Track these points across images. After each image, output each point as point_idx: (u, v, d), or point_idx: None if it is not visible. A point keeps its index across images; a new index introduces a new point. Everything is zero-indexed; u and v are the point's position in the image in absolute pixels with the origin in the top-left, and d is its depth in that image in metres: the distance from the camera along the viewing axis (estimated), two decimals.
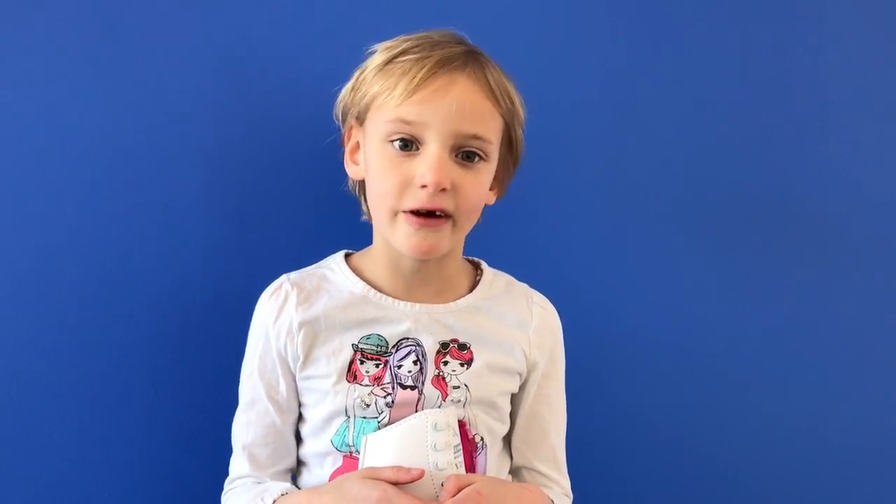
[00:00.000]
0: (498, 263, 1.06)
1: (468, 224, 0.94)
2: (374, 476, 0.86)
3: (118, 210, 1.10)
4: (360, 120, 0.94)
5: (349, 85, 0.96)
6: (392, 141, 0.89)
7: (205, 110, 1.12)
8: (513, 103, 0.94)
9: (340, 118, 0.98)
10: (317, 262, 1.02)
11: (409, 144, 0.89)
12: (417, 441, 0.89)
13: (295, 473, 0.99)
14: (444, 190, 0.88)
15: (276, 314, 0.95)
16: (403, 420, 0.91)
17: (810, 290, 1.31)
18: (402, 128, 0.88)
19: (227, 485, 0.99)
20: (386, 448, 0.90)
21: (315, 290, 0.96)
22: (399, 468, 0.86)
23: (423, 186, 0.87)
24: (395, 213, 0.90)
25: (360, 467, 0.90)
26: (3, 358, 1.08)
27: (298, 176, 1.15)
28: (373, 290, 0.96)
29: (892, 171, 1.32)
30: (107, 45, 1.09)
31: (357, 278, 0.97)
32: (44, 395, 1.09)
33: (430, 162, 0.87)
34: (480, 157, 0.91)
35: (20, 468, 1.09)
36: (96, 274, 1.10)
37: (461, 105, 0.87)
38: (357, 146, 0.96)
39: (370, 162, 0.93)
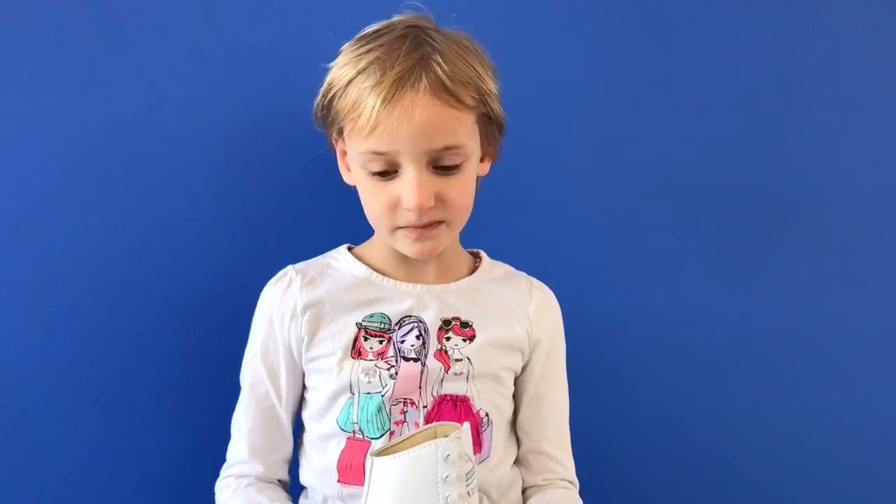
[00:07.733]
0: (501, 258, 1.07)
1: (462, 221, 0.96)
2: None
3: (121, 215, 1.11)
4: (340, 133, 0.94)
5: (320, 97, 0.94)
6: (370, 171, 0.90)
7: (206, 113, 1.13)
8: (478, 87, 0.91)
9: (320, 125, 0.97)
10: None
11: (386, 172, 0.90)
12: (426, 472, 0.83)
13: (298, 471, 0.99)
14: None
15: (280, 297, 0.97)
16: (412, 449, 0.83)
17: (815, 286, 1.30)
18: (375, 158, 0.89)
19: (223, 471, 0.99)
20: (393, 476, 0.83)
21: (319, 275, 0.98)
22: None
23: (410, 209, 0.90)
24: (393, 230, 0.93)
25: (365, 490, 0.85)
26: (5, 363, 1.07)
27: (301, 178, 1.16)
28: (375, 273, 0.98)
29: None
30: (110, 51, 1.11)
31: (359, 263, 0.99)
32: (46, 401, 1.08)
33: (411, 186, 0.88)
34: (459, 161, 0.91)
35: (24, 474, 1.08)
36: (99, 279, 1.10)
37: (426, 126, 0.86)
38: (345, 152, 0.96)
39: (356, 180, 0.95)
